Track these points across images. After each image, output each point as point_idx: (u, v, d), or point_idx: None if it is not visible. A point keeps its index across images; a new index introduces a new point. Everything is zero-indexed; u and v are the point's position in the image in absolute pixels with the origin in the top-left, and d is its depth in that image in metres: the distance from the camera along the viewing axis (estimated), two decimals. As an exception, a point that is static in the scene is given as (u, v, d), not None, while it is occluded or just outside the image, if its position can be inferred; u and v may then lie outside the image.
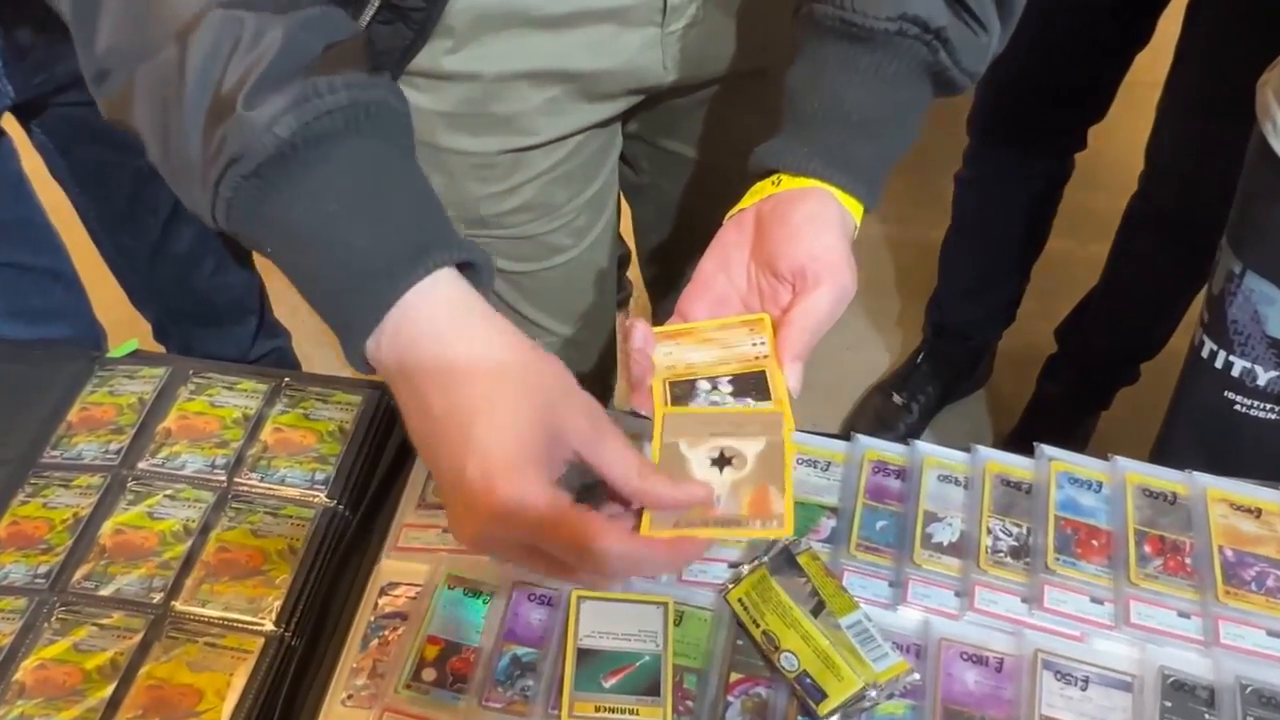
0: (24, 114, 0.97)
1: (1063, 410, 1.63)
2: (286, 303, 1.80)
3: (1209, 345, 0.96)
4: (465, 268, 0.50)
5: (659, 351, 0.60)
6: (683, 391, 0.57)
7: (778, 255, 0.59)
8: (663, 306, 1.10)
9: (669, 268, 1.04)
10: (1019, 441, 1.57)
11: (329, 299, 0.49)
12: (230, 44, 0.47)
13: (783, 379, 0.57)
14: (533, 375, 0.48)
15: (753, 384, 0.57)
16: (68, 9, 0.50)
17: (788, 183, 0.60)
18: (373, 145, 0.49)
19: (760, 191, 0.61)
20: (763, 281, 0.60)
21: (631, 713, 0.60)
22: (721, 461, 0.53)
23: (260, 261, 1.25)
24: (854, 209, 0.60)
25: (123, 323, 1.17)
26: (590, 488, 0.50)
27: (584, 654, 0.62)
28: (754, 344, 0.59)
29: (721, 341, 0.59)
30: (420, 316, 0.47)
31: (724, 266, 0.62)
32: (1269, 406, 0.95)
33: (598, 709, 0.60)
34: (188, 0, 0.47)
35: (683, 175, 0.92)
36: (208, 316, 1.20)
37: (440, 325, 0.48)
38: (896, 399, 1.69)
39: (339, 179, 0.47)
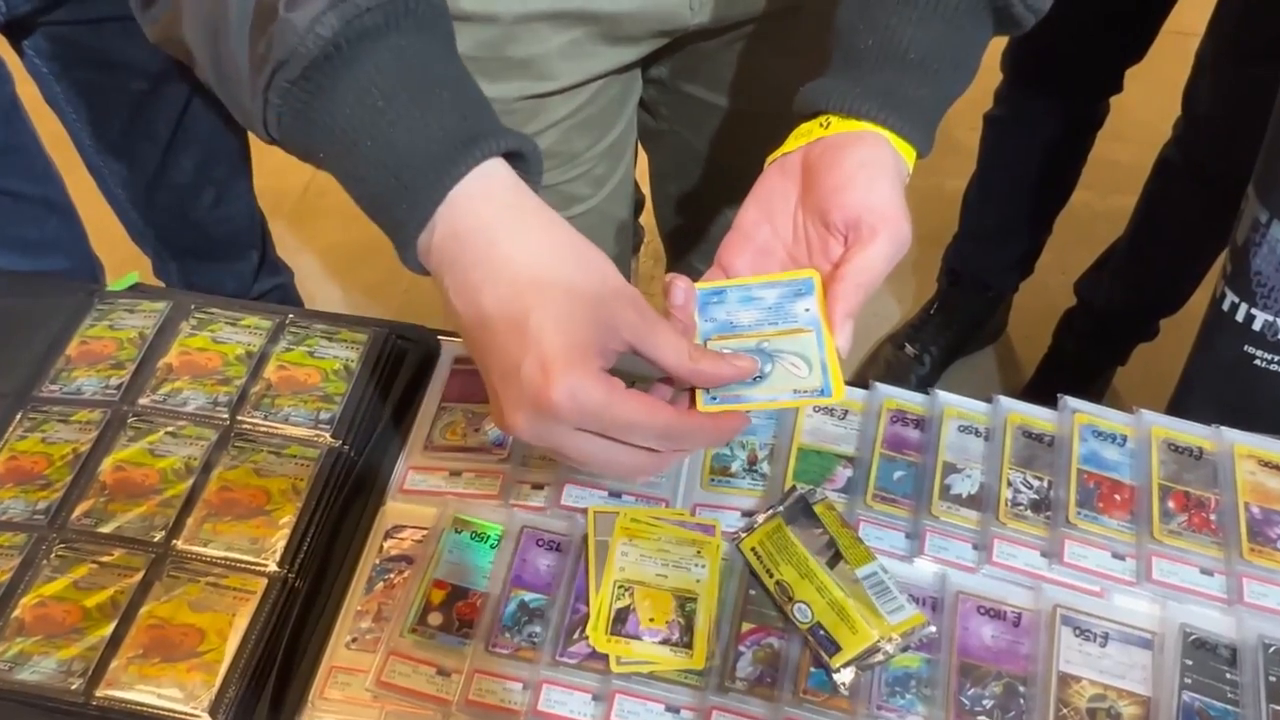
0: (16, 35, 0.93)
1: (1078, 366, 1.60)
2: (289, 244, 1.78)
3: (1230, 297, 0.93)
4: (513, 158, 0.50)
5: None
6: None
7: (830, 205, 0.55)
8: (683, 260, 1.07)
9: (687, 218, 1.01)
10: (1032, 397, 1.55)
11: (379, 199, 0.48)
12: None
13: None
14: (582, 270, 0.48)
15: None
16: None
17: (838, 125, 0.56)
18: (414, 40, 0.48)
19: (807, 134, 0.57)
20: (811, 232, 0.57)
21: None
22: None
23: (262, 199, 1.23)
24: (907, 154, 0.57)
25: (124, 261, 1.15)
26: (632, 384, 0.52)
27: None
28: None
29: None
30: (468, 212, 0.47)
31: (768, 215, 0.58)
32: None
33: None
34: None
35: (703, 121, 0.89)
36: (207, 250, 1.17)
37: (488, 221, 0.48)
38: (909, 350, 1.67)
39: (382, 75, 0.47)
